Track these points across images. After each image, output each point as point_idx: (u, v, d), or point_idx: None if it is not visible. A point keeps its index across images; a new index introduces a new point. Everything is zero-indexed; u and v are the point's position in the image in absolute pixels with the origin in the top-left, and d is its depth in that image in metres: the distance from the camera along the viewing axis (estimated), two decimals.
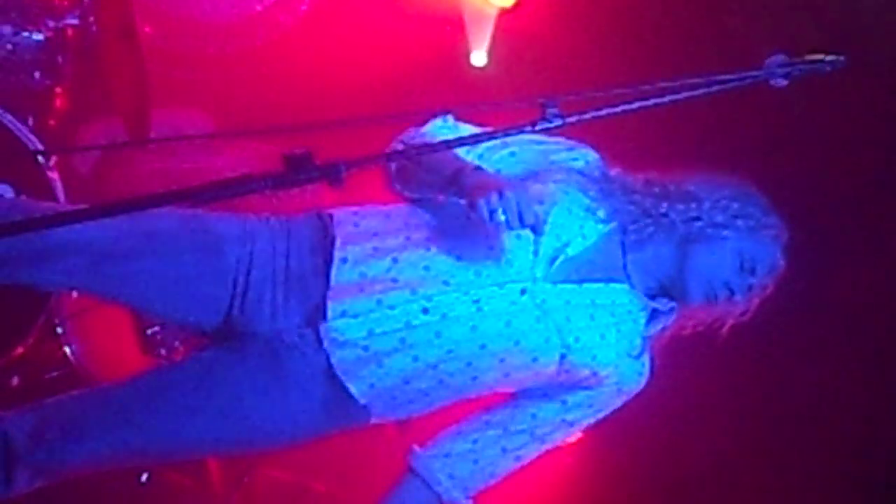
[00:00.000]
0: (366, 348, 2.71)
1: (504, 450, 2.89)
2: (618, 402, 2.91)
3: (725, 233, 2.81)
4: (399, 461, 2.94)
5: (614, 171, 2.91)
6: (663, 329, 2.90)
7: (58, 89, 4.26)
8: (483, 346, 2.73)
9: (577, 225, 2.80)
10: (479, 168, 2.73)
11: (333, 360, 2.71)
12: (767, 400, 4.67)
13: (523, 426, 2.88)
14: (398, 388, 2.75)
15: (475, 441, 2.88)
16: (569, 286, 2.77)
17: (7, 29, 4.10)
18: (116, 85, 4.07)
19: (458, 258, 2.75)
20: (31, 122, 4.11)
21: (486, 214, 2.54)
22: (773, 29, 4.33)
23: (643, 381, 2.90)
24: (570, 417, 2.89)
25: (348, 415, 2.79)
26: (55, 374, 4.27)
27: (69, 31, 4.22)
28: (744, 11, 4.60)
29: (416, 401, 2.80)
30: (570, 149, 2.93)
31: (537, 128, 2.18)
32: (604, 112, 2.22)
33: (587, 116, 2.20)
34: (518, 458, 2.93)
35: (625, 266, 2.84)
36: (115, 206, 2.19)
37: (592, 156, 2.94)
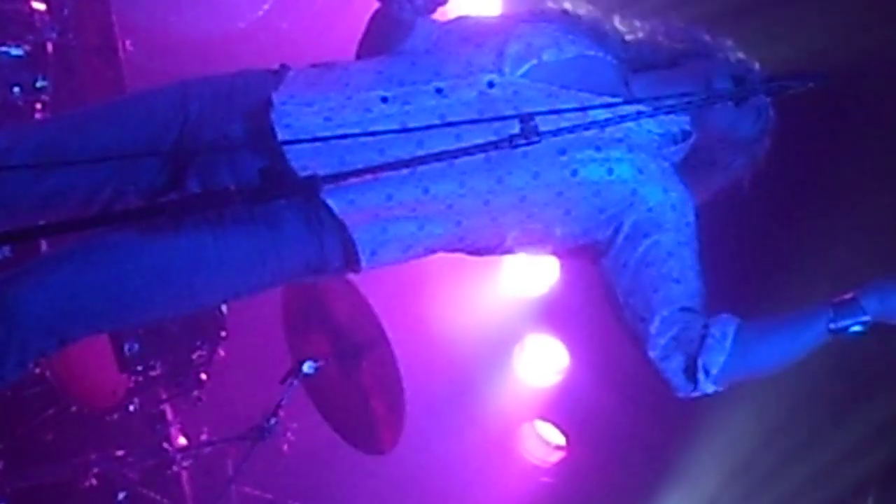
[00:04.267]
0: (324, 140, 2.48)
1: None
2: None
3: (712, 52, 2.78)
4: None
5: (581, 10, 2.84)
6: (689, 158, 2.76)
7: (37, 105, 4.22)
8: (458, 137, 2.45)
9: (551, 39, 2.70)
10: None
11: (290, 157, 2.46)
12: None
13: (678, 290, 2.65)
14: (373, 192, 2.50)
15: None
16: (552, 86, 2.63)
17: None
18: (95, 100, 4.05)
19: (413, 63, 2.64)
20: None
21: None
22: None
23: (690, 205, 2.71)
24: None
25: (320, 242, 2.55)
26: (32, 391, 4.23)
27: (49, 47, 4.19)
28: None
29: (402, 217, 2.54)
30: (531, 9, 2.86)
31: None
32: None
33: None
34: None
35: (630, 94, 2.70)
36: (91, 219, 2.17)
37: (551, 6, 2.86)
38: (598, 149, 2.61)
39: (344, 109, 2.54)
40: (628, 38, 2.80)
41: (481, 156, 2.46)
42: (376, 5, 2.73)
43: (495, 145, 2.24)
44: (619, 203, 2.64)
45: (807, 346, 2.59)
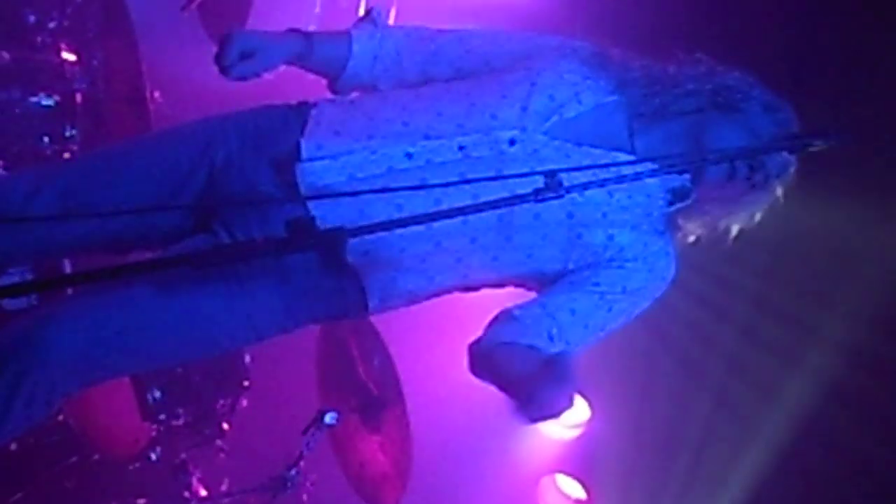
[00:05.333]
0: (346, 195, 2.54)
1: (552, 338, 2.69)
2: (652, 288, 2.76)
3: (743, 105, 2.70)
4: None
5: (613, 51, 2.82)
6: (685, 209, 2.74)
7: (66, 154, 4.27)
8: (475, 196, 2.47)
9: (572, 91, 2.70)
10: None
11: (311, 208, 2.52)
12: None
13: (567, 321, 2.68)
14: (387, 244, 2.57)
15: (526, 328, 2.67)
16: (567, 144, 2.65)
17: (17, 93, 4.12)
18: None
19: (439, 114, 2.66)
20: None
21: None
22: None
23: (672, 263, 2.75)
24: (609, 305, 2.71)
25: (342, 289, 2.64)
26: (55, 439, 4.25)
27: (78, 97, 4.24)
28: None
29: (412, 270, 2.64)
30: (562, 41, 2.86)
31: None
32: None
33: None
34: (576, 348, 2.73)
35: (632, 146, 2.69)
36: (117, 270, 2.19)
37: (582, 43, 2.85)
38: (604, 214, 2.66)
39: (368, 165, 2.60)
40: (655, 84, 2.75)
41: (495, 215, 2.54)
42: None
43: (521, 199, 2.25)
44: (607, 260, 2.70)
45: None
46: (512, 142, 2.62)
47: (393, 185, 2.56)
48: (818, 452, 4.23)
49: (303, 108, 2.76)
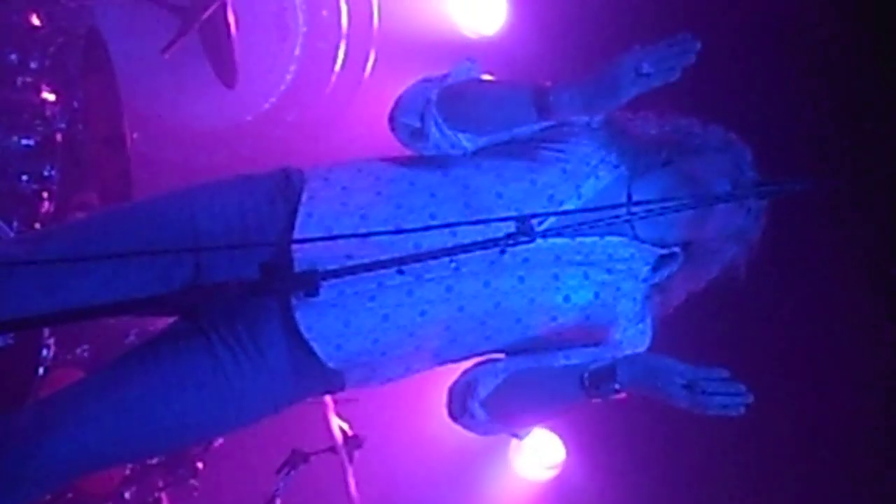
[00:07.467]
0: (334, 305, 2.55)
1: None
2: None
3: (702, 147, 2.72)
4: None
5: (615, 114, 2.78)
6: (669, 276, 2.76)
7: (44, 194, 4.28)
8: (461, 309, 2.58)
9: (573, 185, 2.67)
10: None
11: (297, 317, 2.55)
12: None
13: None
14: (368, 351, 2.61)
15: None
16: (559, 241, 2.62)
17: None
18: (102, 190, 4.11)
19: (432, 216, 2.59)
20: (15, 224, 4.13)
21: (629, 72, 2.47)
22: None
23: (647, 340, 2.79)
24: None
25: (322, 379, 2.69)
26: None
27: (58, 136, 4.25)
28: None
29: (392, 367, 2.70)
30: None
31: None
32: None
33: None
34: None
35: (630, 214, 2.62)
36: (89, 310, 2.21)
37: None
38: (584, 276, 2.69)
39: (359, 281, 2.53)
40: (648, 143, 2.76)
41: (475, 322, 2.63)
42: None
43: (494, 243, 2.25)
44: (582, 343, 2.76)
45: (565, 402, 2.73)
46: (503, 251, 2.51)
47: (381, 297, 2.57)
48: None
49: (289, 189, 2.69)
